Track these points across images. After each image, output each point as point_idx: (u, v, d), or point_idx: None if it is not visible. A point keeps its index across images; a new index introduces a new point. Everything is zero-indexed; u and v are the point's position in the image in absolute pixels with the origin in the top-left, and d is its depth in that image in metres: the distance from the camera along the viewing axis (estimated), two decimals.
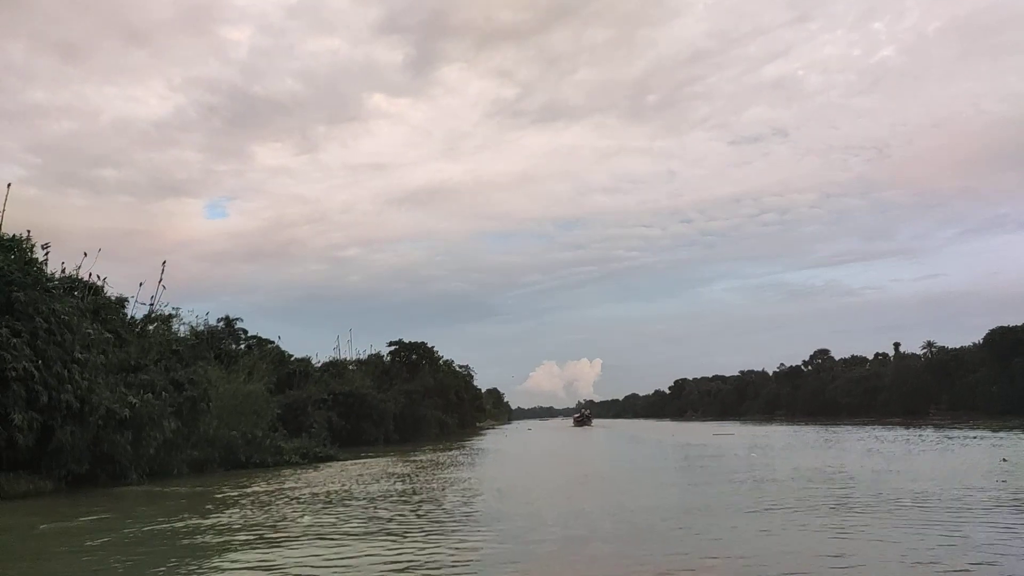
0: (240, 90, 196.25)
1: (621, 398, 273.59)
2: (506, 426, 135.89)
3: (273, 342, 65.08)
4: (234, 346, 63.45)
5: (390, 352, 71.18)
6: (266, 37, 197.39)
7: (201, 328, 52.82)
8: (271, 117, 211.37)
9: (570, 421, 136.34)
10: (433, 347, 73.78)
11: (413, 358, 71.52)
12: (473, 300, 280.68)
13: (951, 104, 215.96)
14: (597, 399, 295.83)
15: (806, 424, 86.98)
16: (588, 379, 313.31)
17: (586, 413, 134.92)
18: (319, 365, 64.08)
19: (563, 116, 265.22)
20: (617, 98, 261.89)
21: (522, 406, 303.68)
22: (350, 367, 72.88)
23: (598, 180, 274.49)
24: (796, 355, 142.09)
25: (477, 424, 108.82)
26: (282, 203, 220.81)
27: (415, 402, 64.99)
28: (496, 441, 66.34)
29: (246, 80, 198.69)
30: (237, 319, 66.01)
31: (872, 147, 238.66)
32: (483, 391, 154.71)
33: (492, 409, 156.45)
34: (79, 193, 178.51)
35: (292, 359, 62.14)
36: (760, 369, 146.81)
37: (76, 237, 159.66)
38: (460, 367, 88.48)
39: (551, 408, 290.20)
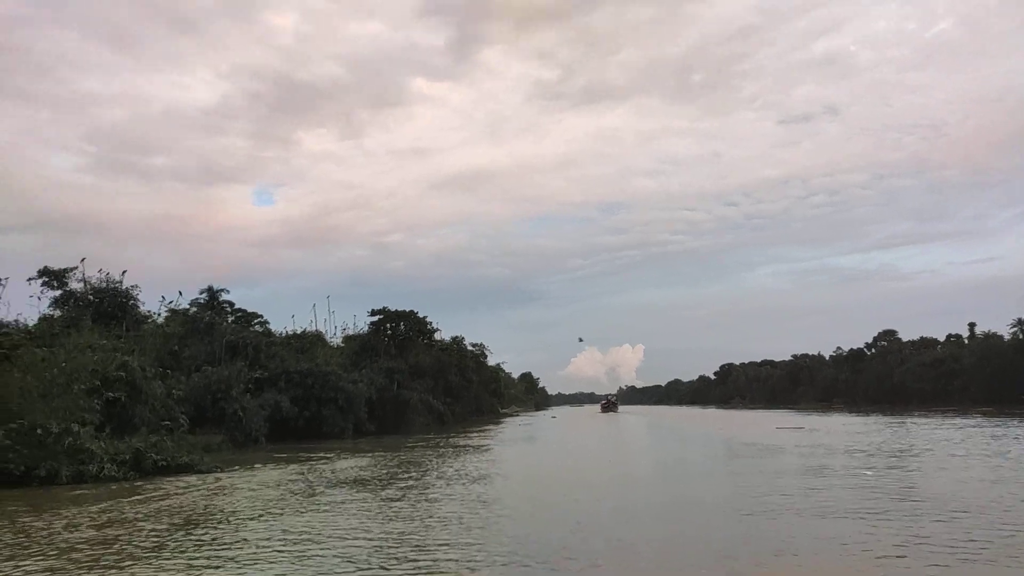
0: (284, 76, 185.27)
1: (664, 384, 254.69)
2: (533, 413, 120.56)
3: (260, 316, 51.44)
4: (215, 317, 48.55)
5: (372, 323, 56.16)
6: (309, 22, 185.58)
7: (103, 286, 39.33)
8: (315, 103, 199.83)
9: (598, 407, 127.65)
10: (426, 317, 58.66)
11: (402, 329, 56.38)
12: (514, 285, 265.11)
13: (1010, 78, 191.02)
14: (639, 385, 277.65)
15: (878, 414, 69.52)
16: (630, 365, 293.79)
17: (612, 400, 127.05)
18: (282, 337, 49.96)
19: (605, 98, 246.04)
20: (660, 78, 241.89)
21: (563, 391, 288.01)
22: (333, 342, 58.73)
23: (641, 163, 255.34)
24: (848, 342, 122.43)
25: (501, 411, 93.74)
26: (327, 189, 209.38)
27: (399, 384, 50.15)
28: (500, 434, 51.30)
29: (290, 66, 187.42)
30: (222, 290, 52.41)
31: (927, 124, 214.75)
32: (515, 376, 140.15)
33: (523, 395, 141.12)
34: (132, 180, 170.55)
35: (250, 331, 48.03)
36: (815, 353, 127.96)
37: (130, 223, 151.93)
38: (473, 345, 72.99)
39: (592, 394, 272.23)
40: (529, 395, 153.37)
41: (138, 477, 21.84)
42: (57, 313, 37.44)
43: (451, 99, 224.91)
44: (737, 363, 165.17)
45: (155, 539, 12.20)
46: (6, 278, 38.78)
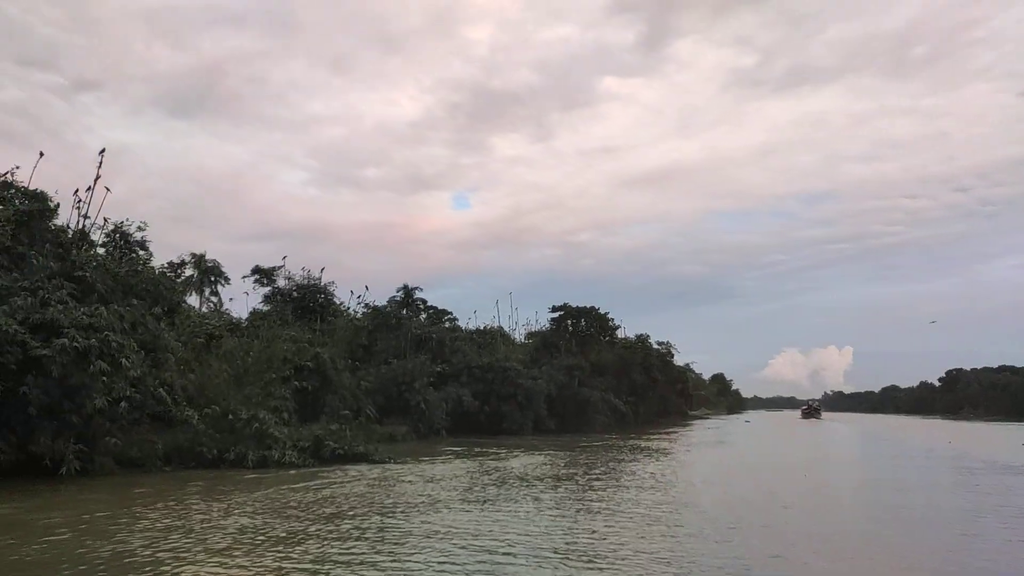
0: (481, 86, 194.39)
1: (878, 390, 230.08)
2: (724, 416, 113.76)
3: (450, 313, 53.21)
4: (408, 313, 50.26)
5: (552, 320, 55.30)
6: (504, 32, 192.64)
7: (305, 281, 42.16)
8: (508, 109, 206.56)
9: (797, 413, 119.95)
10: (607, 314, 56.58)
11: (583, 325, 54.92)
12: (708, 283, 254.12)
13: None
14: (848, 390, 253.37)
15: None
16: (837, 368, 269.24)
17: (815, 405, 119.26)
18: (466, 333, 50.66)
19: (809, 80, 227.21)
20: (875, 54, 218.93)
21: (759, 395, 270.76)
22: (516, 338, 58.85)
23: (852, 148, 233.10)
24: None
25: (689, 413, 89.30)
26: (519, 191, 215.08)
27: (579, 381, 48.80)
28: (685, 437, 48.18)
29: (486, 75, 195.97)
30: (416, 288, 54.83)
31: None
32: (706, 377, 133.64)
33: (714, 397, 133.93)
34: (349, 191, 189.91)
35: (436, 327, 49.16)
36: None
37: (348, 230, 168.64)
38: (659, 344, 69.53)
39: (792, 399, 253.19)
40: (721, 397, 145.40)
41: (316, 464, 22.38)
42: (266, 308, 40.60)
43: (642, 95, 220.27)
44: (967, 368, 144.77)
45: (291, 530, 11.72)
46: (226, 277, 42.92)
